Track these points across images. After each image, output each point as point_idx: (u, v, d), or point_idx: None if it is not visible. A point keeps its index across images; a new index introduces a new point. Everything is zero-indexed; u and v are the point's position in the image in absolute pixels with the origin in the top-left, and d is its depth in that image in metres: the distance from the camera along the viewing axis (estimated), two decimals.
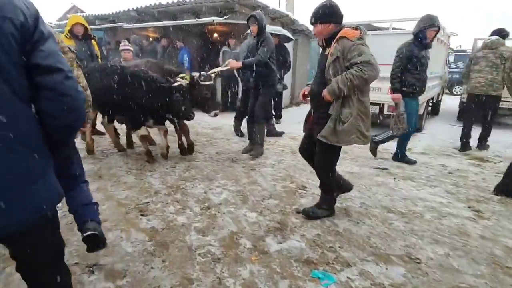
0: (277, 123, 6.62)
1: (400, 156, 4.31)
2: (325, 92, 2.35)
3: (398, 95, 3.98)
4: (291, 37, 6.46)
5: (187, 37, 8.49)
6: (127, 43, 5.37)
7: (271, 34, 6.08)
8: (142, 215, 2.67)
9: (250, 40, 4.52)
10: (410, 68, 3.89)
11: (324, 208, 2.71)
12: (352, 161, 4.32)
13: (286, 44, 6.42)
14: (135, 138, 4.45)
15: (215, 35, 8.69)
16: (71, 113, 1.02)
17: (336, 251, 2.25)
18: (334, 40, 2.29)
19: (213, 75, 3.81)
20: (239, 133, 5.58)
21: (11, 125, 0.91)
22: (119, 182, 3.33)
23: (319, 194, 3.05)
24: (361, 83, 2.20)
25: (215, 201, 2.98)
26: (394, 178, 3.72)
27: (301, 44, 9.36)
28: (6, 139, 0.91)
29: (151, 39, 9.25)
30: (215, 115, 3.78)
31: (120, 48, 5.25)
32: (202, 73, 3.75)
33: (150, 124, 3.86)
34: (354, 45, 2.19)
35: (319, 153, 2.59)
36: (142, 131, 3.86)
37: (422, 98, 5.27)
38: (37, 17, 0.95)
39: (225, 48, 7.70)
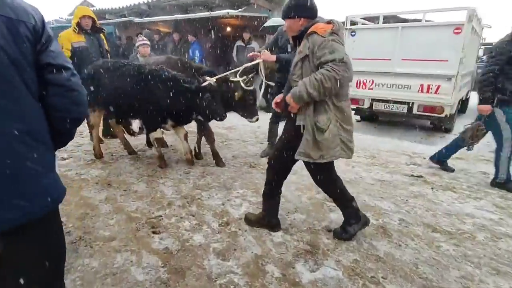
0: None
1: (442, 160, 3.89)
2: (288, 98, 1.98)
3: (488, 107, 3.25)
4: None
5: (199, 31, 8.16)
6: (144, 38, 5.06)
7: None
8: (154, 232, 2.38)
9: (282, 33, 3.90)
10: (508, 71, 3.14)
11: (354, 222, 2.36)
12: (381, 167, 3.94)
13: None
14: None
15: (229, 29, 8.34)
16: (79, 107, 1.14)
17: (380, 283, 1.91)
18: (304, 36, 1.96)
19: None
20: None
21: (27, 120, 1.00)
22: (129, 191, 3.06)
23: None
24: (333, 86, 1.83)
25: (234, 215, 2.67)
26: (432, 188, 3.34)
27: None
28: (23, 133, 0.97)
29: (162, 33, 8.96)
30: (256, 120, 3.58)
31: (137, 43, 4.94)
32: (242, 77, 3.49)
33: (168, 126, 3.58)
34: (325, 41, 1.84)
35: (310, 173, 2.31)
36: (158, 133, 3.59)
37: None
38: (43, 20, 1.04)
39: (239, 42, 7.35)
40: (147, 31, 7.52)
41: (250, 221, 2.52)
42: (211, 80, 3.25)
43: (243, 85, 3.41)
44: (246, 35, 7.13)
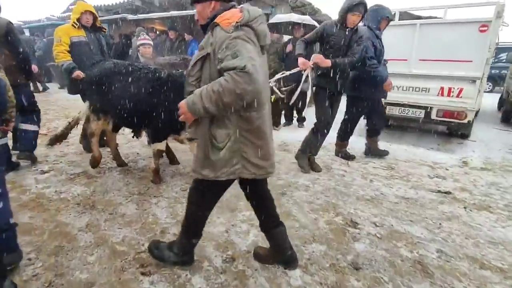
0: (300, 126, 5.84)
1: None
2: (182, 105, 1.56)
3: None
4: None
5: (197, 29, 7.68)
6: (146, 37, 4.56)
7: (294, 24, 5.28)
8: (143, 273, 1.93)
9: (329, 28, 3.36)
10: None
11: (176, 253, 1.95)
12: (402, 180, 3.52)
13: None
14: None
15: None
16: None
17: None
18: (208, 28, 1.56)
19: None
20: (344, 155, 4.18)
21: None
22: (115, 214, 2.60)
23: (376, 234, 2.32)
24: (234, 101, 1.42)
25: (241, 246, 2.23)
26: (465, 208, 2.92)
27: None
28: None
29: (157, 31, 8.47)
30: (278, 129, 3.43)
31: (138, 42, 4.45)
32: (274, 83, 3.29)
33: (183, 137, 3.16)
34: (228, 39, 1.43)
35: (193, 184, 1.91)
36: (163, 145, 3.19)
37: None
38: None
39: None
40: (140, 28, 7.03)
41: (261, 257, 2.08)
42: None
43: (276, 90, 3.22)
44: None
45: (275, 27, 6.01)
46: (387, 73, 3.67)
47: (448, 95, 4.35)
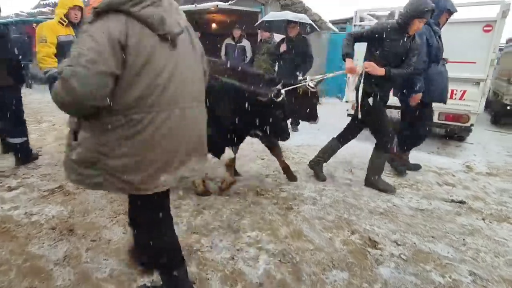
0: (294, 130, 5.56)
1: None
2: None
3: None
4: (330, 26, 5.38)
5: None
6: None
7: (289, 22, 5.01)
8: None
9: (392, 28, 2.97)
10: None
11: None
12: (412, 189, 3.31)
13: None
14: None
15: (215, 24, 7.51)
16: None
17: None
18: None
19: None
20: (402, 168, 3.66)
21: None
22: (99, 240, 2.21)
23: (400, 255, 2.08)
24: (64, 107, 1.18)
25: (251, 277, 1.91)
26: (483, 219, 2.73)
27: (312, 36, 8.26)
28: None
29: None
30: (316, 122, 3.28)
31: None
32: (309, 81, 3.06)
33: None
34: (81, 32, 1.19)
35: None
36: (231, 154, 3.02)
37: None
38: None
39: (228, 40, 6.56)
40: None
41: None
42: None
43: (310, 84, 3.02)
44: (237, 32, 6.34)
45: (267, 26, 5.72)
46: (423, 86, 3.23)
47: (451, 97, 4.20)
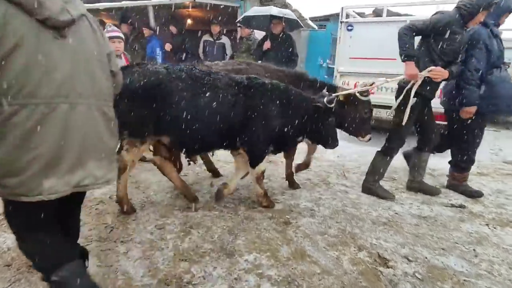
0: None
1: None
2: None
3: None
4: (310, 23, 5.16)
5: (156, 23, 6.77)
6: (114, 28, 3.61)
7: (274, 17, 4.74)
8: None
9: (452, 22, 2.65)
10: None
11: None
12: (409, 194, 3.18)
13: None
14: None
15: (191, 20, 7.09)
16: None
17: None
18: None
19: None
20: (469, 192, 3.18)
21: None
22: None
23: (415, 273, 1.90)
24: None
25: None
26: (487, 225, 2.63)
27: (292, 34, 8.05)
28: None
29: (107, 25, 7.39)
30: (369, 139, 2.92)
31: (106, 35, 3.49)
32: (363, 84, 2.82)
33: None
34: None
35: None
36: (263, 166, 2.66)
37: None
38: None
39: (206, 37, 6.19)
40: None
41: None
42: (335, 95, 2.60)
43: (359, 95, 2.72)
44: (215, 28, 5.98)
45: (247, 22, 5.42)
46: (477, 98, 2.86)
47: (440, 96, 4.14)
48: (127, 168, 2.43)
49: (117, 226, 2.36)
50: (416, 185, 3.17)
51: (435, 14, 2.84)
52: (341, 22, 4.66)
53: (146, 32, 6.14)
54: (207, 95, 2.33)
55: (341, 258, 2.10)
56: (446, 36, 2.62)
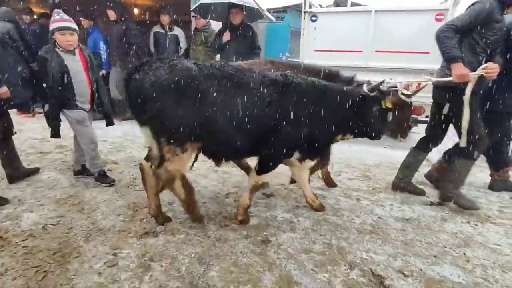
0: None
1: None
2: None
3: None
4: (268, 14, 4.80)
5: (101, 12, 5.91)
6: (65, 16, 2.75)
7: (234, 6, 4.33)
8: None
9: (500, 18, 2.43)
10: None
11: None
12: (388, 194, 3.04)
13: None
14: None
15: (139, 10, 6.37)
16: None
17: None
18: None
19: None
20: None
21: None
22: None
23: None
24: None
25: None
26: (468, 222, 2.55)
27: None
28: None
29: (35, 16, 6.37)
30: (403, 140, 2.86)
31: (53, 25, 2.70)
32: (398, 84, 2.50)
33: (294, 160, 2.41)
34: None
35: None
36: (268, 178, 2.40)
37: None
38: None
39: (156, 28, 5.58)
40: (5, 9, 4.92)
41: None
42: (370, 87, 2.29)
43: (403, 95, 2.37)
44: (165, 19, 5.40)
45: (202, 11, 4.94)
46: None
47: (406, 89, 4.09)
48: (175, 179, 2.14)
49: (52, 268, 1.83)
50: (403, 185, 3.02)
51: (471, 5, 2.52)
52: (304, 12, 4.40)
53: (85, 23, 5.33)
54: (245, 94, 2.06)
55: (332, 281, 1.82)
56: (490, 26, 2.40)
